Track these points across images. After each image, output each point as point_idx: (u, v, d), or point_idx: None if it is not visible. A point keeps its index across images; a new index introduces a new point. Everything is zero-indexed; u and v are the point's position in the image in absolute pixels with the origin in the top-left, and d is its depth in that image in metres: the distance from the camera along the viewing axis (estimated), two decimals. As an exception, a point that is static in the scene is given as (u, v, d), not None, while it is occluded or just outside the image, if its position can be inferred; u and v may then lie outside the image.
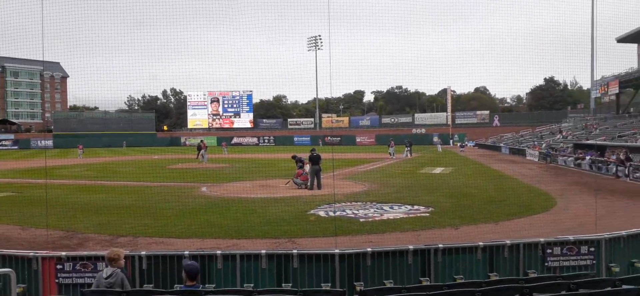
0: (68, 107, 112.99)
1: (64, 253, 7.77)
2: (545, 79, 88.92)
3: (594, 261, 8.32)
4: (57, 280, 7.56)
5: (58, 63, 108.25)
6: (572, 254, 8.27)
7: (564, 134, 49.61)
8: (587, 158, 30.84)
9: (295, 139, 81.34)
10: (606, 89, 51.03)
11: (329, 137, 79.92)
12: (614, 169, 26.03)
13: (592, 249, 8.34)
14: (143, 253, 7.69)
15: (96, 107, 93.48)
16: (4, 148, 73.67)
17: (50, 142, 74.55)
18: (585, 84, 78.85)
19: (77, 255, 7.84)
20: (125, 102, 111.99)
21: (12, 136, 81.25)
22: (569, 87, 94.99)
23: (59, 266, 7.57)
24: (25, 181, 24.77)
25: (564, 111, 74.69)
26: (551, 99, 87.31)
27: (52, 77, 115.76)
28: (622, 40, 46.61)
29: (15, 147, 74.67)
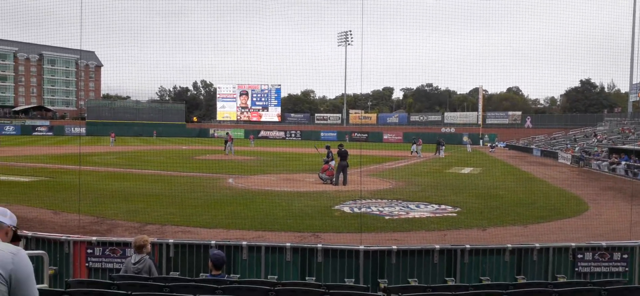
0: (101, 95, 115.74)
1: (94, 238, 7.96)
2: (581, 81, 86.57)
3: (627, 269, 8.07)
4: (87, 264, 7.75)
5: (93, 52, 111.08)
6: (604, 260, 8.04)
7: (598, 137, 48.25)
8: (623, 162, 29.93)
9: (322, 134, 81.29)
10: (645, 92, 49.44)
11: (356, 134, 79.60)
12: (651, 175, 25.21)
13: (625, 256, 8.08)
14: (170, 241, 7.81)
15: (128, 97, 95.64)
16: (39, 133, 76.11)
17: (83, 130, 76.60)
18: (624, 88, 76.32)
19: (107, 240, 8.02)
20: (156, 93, 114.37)
21: (47, 122, 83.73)
22: (606, 90, 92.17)
23: (89, 251, 7.76)
24: (59, 166, 25.45)
25: (599, 114, 72.56)
26: (586, 101, 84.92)
27: (87, 65, 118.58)
28: (664, 42, 45.06)
29: (50, 133, 76.96)
